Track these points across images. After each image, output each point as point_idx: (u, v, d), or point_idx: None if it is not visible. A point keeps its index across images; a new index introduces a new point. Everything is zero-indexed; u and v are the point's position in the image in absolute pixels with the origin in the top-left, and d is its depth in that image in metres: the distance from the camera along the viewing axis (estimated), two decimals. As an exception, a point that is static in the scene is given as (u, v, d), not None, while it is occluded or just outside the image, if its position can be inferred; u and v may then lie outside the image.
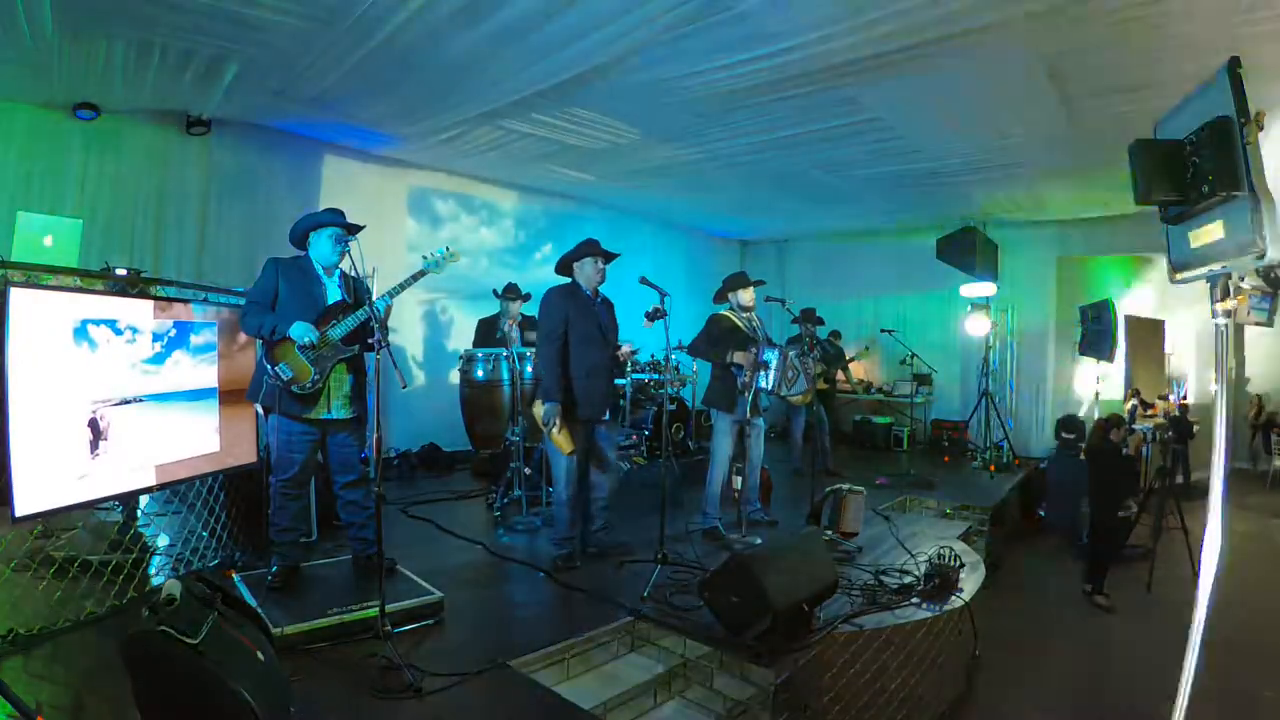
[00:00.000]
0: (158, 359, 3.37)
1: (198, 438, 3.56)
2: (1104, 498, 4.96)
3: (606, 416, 3.90)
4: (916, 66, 4.08)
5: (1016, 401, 8.44)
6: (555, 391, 3.65)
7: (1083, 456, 5.91)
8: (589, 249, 3.86)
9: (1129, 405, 8.73)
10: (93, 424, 2.99)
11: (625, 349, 3.99)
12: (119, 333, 3.24)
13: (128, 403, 3.18)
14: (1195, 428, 6.27)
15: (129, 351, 3.22)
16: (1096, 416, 7.36)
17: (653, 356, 6.82)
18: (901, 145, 5.59)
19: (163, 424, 3.35)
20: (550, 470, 3.97)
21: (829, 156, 5.98)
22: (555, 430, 3.63)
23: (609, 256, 3.91)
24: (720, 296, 4.66)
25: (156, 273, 4.68)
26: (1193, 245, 1.85)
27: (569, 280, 3.92)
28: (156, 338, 3.37)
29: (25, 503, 2.63)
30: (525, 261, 7.76)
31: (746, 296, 4.53)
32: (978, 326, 7.80)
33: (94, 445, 2.98)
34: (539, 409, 3.68)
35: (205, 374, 3.66)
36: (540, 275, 7.42)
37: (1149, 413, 8.81)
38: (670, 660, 2.83)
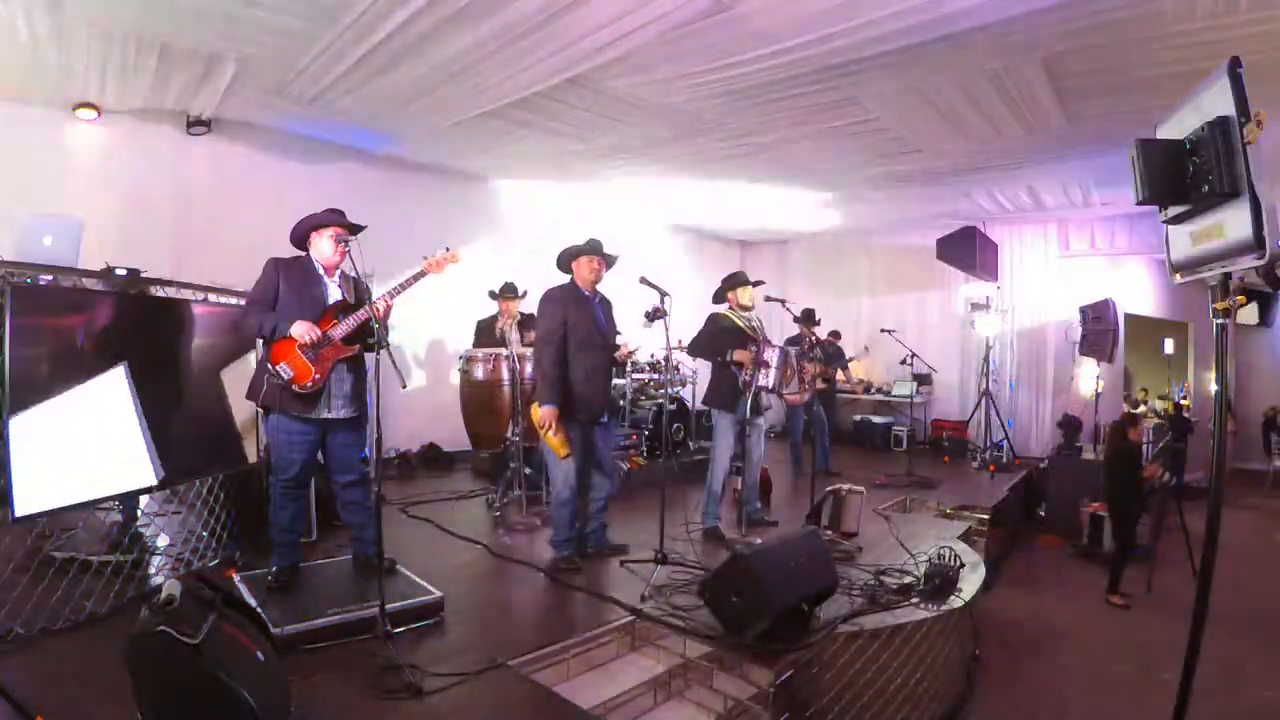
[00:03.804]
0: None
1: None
2: (1126, 498, 4.91)
3: (606, 419, 3.86)
4: (917, 66, 4.08)
5: (1016, 401, 8.44)
6: (553, 394, 3.58)
7: (1099, 458, 5.88)
8: (588, 247, 3.81)
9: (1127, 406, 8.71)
10: None
11: (624, 348, 3.94)
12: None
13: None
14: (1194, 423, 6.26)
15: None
16: (1096, 416, 7.37)
17: (653, 356, 6.81)
18: (901, 145, 5.59)
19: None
20: (549, 471, 3.95)
21: (828, 157, 5.98)
22: (552, 433, 3.58)
23: (609, 259, 3.87)
24: (719, 296, 4.64)
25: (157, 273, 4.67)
26: (1193, 245, 1.86)
27: (568, 279, 3.88)
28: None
29: (23, 505, 2.63)
30: (525, 260, 7.75)
31: (746, 296, 4.51)
32: (986, 326, 7.78)
33: None
34: (538, 411, 3.63)
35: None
36: (540, 274, 7.40)
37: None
38: (670, 660, 2.82)
